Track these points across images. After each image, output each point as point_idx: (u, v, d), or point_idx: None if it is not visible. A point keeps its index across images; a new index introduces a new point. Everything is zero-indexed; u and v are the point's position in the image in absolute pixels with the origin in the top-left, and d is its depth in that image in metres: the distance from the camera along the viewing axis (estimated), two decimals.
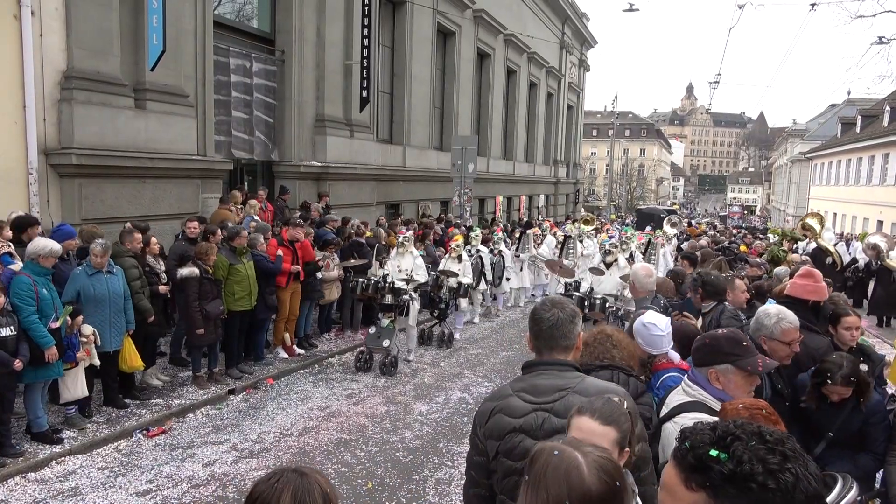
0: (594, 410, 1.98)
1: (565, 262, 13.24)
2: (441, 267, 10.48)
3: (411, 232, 10.30)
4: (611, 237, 10.80)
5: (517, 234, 15.19)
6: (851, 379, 3.41)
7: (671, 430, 2.56)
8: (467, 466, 2.52)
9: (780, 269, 8.13)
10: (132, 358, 6.64)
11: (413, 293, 9.01)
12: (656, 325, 3.43)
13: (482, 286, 11.99)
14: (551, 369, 2.37)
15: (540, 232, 16.01)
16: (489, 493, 2.42)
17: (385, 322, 8.77)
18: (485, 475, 2.42)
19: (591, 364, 2.97)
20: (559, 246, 14.19)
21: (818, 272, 4.42)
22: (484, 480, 2.43)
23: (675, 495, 1.23)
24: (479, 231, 13.00)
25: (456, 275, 10.17)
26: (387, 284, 8.80)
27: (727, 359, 2.64)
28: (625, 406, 2.04)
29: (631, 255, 11.36)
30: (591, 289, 9.02)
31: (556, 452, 1.50)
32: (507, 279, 13.10)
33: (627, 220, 37.30)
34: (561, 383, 2.31)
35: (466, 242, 11.98)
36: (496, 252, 12.74)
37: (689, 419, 2.57)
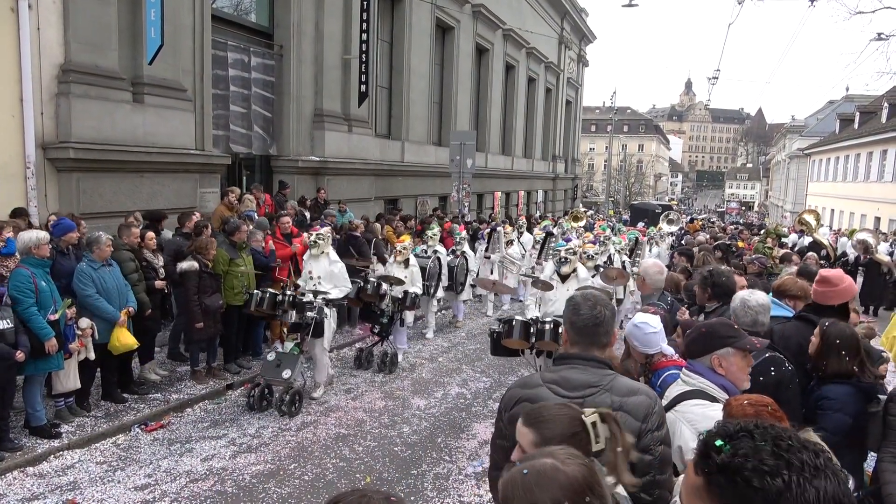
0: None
1: (507, 279, 11.84)
2: (385, 271, 9.19)
3: (327, 228, 8.20)
4: (567, 240, 8.70)
5: (486, 232, 13.53)
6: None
7: (673, 420, 2.60)
8: (491, 450, 2.54)
9: (790, 268, 8.13)
10: (124, 337, 6.51)
11: (326, 308, 7.23)
12: (648, 323, 3.46)
13: (440, 293, 10.49)
14: (585, 364, 2.38)
15: (511, 229, 13.86)
16: None
17: (288, 345, 7.03)
18: (504, 458, 2.44)
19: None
20: (537, 246, 12.39)
21: (834, 274, 4.36)
22: (501, 463, 2.44)
23: (687, 477, 1.30)
24: (436, 228, 11.37)
25: (401, 282, 8.60)
26: (286, 298, 7.05)
27: (726, 342, 2.74)
28: (577, 416, 1.91)
29: (609, 258, 10.03)
30: (537, 318, 6.51)
31: (525, 471, 1.47)
32: (473, 285, 11.32)
33: (625, 217, 37.18)
34: (593, 380, 2.33)
35: (473, 240, 11.22)
36: (458, 253, 11.21)
37: (691, 405, 2.60)
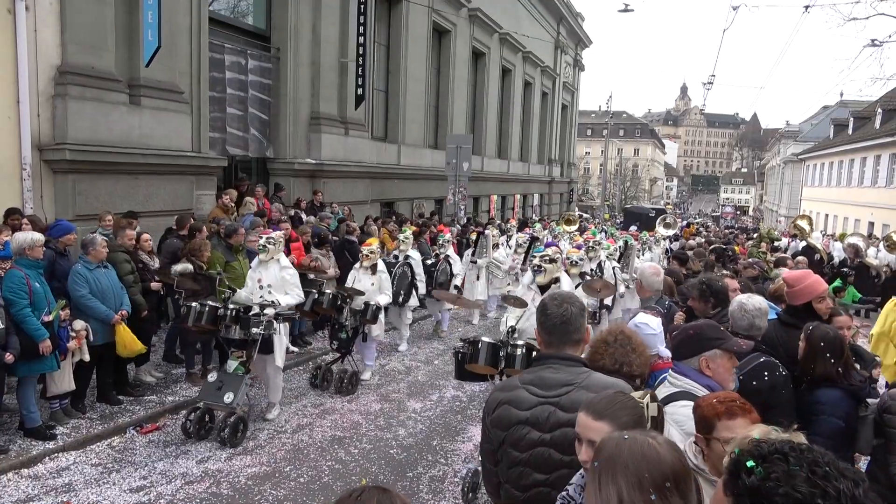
0: (589, 405, 2.00)
1: (493, 284, 11.21)
2: (350, 281, 8.23)
3: (281, 232, 7.35)
4: (549, 244, 7.06)
5: (474, 236, 12.75)
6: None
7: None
8: (481, 454, 2.62)
9: (780, 271, 8.18)
10: (132, 343, 6.54)
11: (276, 322, 6.38)
12: (648, 324, 3.49)
13: (412, 301, 9.65)
14: (558, 363, 2.42)
15: (499, 233, 13.18)
16: (498, 480, 2.49)
17: (231, 365, 6.22)
18: (492, 463, 2.50)
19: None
20: (520, 250, 11.77)
21: (793, 275, 4.46)
22: (491, 468, 2.51)
23: (716, 494, 1.28)
24: (409, 231, 10.37)
25: (361, 293, 7.79)
26: (228, 312, 6.23)
27: (714, 344, 2.79)
28: (637, 402, 2.02)
29: (599, 265, 9.22)
30: (512, 329, 5.68)
31: (625, 437, 1.56)
32: (427, 295, 10.17)
33: (619, 221, 37.20)
34: (568, 378, 2.36)
35: (465, 244, 10.89)
36: (441, 257, 10.54)
37: (679, 407, 2.63)
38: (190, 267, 7.24)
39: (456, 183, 16.81)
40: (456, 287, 10.85)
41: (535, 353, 4.61)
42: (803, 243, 15.03)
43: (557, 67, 33.60)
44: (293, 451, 5.99)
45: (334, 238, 10.56)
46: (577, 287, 6.88)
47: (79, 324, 6.11)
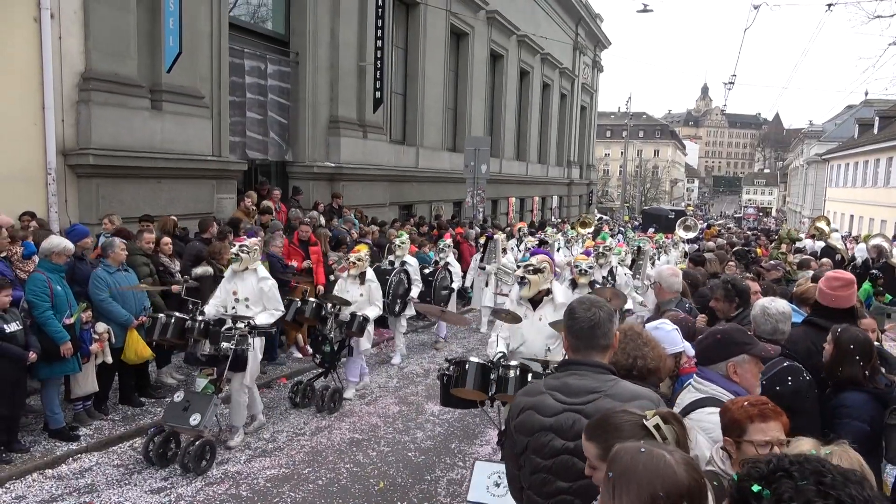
0: (588, 422, 1.97)
1: (502, 290, 9.97)
2: (336, 290, 7.62)
3: (255, 239, 6.59)
4: (536, 252, 6.03)
5: (482, 241, 12.11)
6: None
7: (688, 428, 2.57)
8: (504, 459, 2.60)
9: (806, 273, 8.05)
10: (142, 349, 6.59)
11: (250, 336, 5.85)
12: (664, 323, 3.46)
13: (409, 311, 9.04)
14: (584, 369, 2.37)
15: (505, 238, 12.53)
16: (521, 484, 2.48)
17: (201, 382, 5.69)
18: (516, 467, 2.48)
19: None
20: (527, 247, 11.34)
21: (845, 275, 4.32)
22: (515, 472, 2.49)
23: None
24: (405, 236, 9.62)
25: (348, 303, 7.17)
26: (196, 324, 5.76)
27: (742, 349, 2.73)
28: (637, 423, 1.90)
29: (611, 271, 8.72)
30: (503, 354, 4.94)
31: (642, 450, 1.54)
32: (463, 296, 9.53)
33: (637, 223, 36.75)
34: (593, 385, 2.31)
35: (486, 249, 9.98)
36: (441, 265, 10.11)
37: (706, 414, 2.58)
38: (210, 270, 7.31)
39: (474, 185, 16.80)
40: (446, 295, 10.15)
41: (530, 374, 4.36)
42: (821, 244, 14.73)
43: (576, 69, 33.46)
44: (312, 454, 6.02)
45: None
46: None
47: (101, 326, 6.21)
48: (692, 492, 1.47)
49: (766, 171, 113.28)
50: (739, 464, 2.18)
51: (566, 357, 2.51)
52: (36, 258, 6.26)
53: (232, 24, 11.25)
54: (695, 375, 2.85)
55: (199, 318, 5.84)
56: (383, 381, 8.35)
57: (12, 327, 5.32)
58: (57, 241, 5.94)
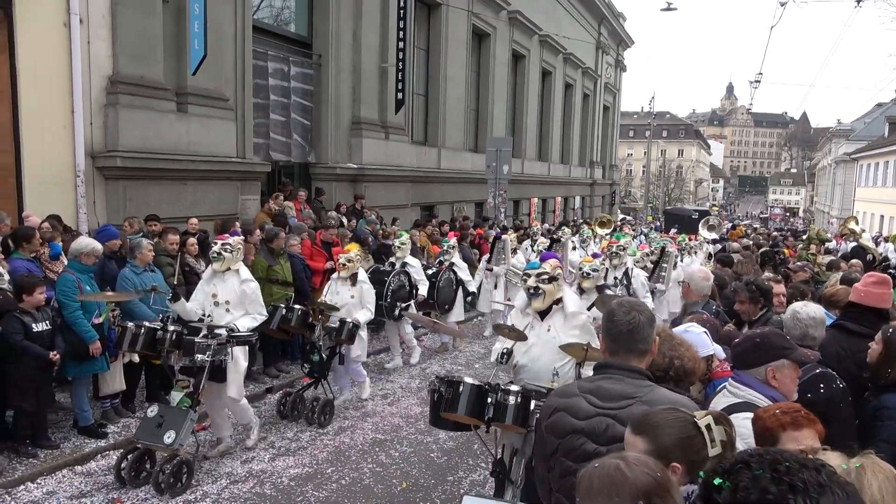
0: (634, 418, 1.96)
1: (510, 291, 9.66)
2: (325, 294, 7.16)
3: (237, 238, 6.23)
4: (545, 257, 4.91)
5: (490, 242, 11.65)
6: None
7: None
8: (534, 461, 2.59)
9: (836, 275, 7.89)
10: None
11: (228, 346, 5.43)
12: (693, 326, 3.40)
13: (412, 310, 8.63)
14: (621, 374, 2.33)
15: (516, 239, 12.05)
16: (549, 486, 2.46)
17: (176, 396, 5.28)
18: (545, 469, 2.46)
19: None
20: (538, 248, 11.00)
21: (878, 275, 4.23)
22: (544, 473, 2.47)
23: None
24: (405, 236, 9.22)
25: (336, 308, 6.84)
26: (169, 335, 5.35)
27: (781, 353, 2.67)
28: (687, 420, 1.89)
29: (626, 273, 8.13)
30: (507, 350, 4.47)
31: (595, 465, 1.57)
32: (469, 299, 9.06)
33: (654, 224, 35.96)
34: (629, 391, 2.27)
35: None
36: (445, 265, 9.71)
37: (742, 419, 2.53)
38: None
39: (496, 186, 16.75)
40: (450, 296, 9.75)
41: (533, 401, 3.91)
42: (853, 244, 14.40)
43: (599, 68, 33.23)
44: (335, 453, 6.05)
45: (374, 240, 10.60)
46: (591, 307, 5.90)
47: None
48: (649, 489, 1.48)
49: (793, 170, 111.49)
50: None
51: (602, 360, 2.47)
52: (63, 259, 6.37)
53: (255, 27, 11.36)
54: (730, 379, 2.77)
55: (171, 327, 5.42)
56: (405, 381, 8.36)
57: (40, 326, 5.43)
58: (86, 242, 6.05)
